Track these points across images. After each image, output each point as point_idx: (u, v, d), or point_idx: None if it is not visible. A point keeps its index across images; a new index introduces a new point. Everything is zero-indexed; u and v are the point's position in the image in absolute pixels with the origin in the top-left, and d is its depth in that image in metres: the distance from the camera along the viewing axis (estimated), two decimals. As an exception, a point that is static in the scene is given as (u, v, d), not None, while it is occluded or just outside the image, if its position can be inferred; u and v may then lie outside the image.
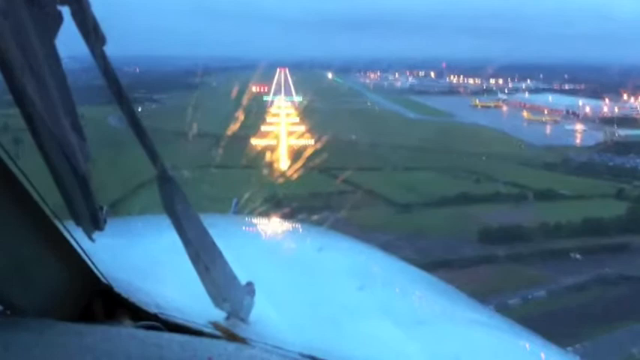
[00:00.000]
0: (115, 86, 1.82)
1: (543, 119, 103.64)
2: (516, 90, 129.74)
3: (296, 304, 3.16)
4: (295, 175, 60.69)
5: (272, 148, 78.94)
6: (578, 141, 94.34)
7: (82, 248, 2.10)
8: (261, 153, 74.21)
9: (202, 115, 72.44)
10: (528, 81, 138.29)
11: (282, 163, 74.04)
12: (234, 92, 75.83)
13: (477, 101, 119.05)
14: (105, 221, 2.00)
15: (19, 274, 1.93)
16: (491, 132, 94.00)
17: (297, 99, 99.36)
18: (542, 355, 3.89)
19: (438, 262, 42.65)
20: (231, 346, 2.02)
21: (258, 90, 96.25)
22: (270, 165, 70.92)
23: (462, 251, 50.31)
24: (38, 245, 1.97)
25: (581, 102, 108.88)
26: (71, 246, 2.07)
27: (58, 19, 1.62)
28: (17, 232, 1.87)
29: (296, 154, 73.43)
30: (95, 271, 2.20)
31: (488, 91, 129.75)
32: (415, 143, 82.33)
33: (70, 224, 2.02)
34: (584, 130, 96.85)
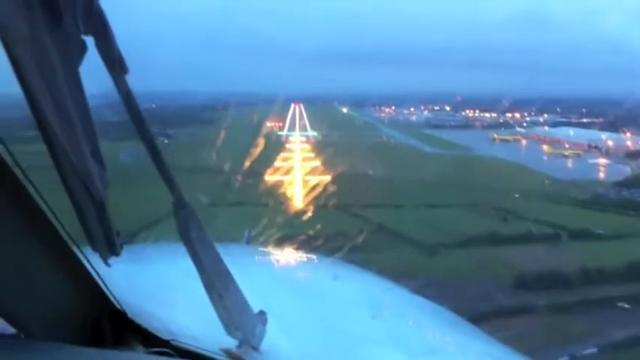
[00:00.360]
0: (136, 116, 1.82)
1: (565, 153, 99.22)
2: (534, 124, 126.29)
3: (308, 333, 3.20)
4: (311, 213, 56.10)
5: (287, 184, 74.72)
6: (603, 175, 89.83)
7: (97, 273, 2.10)
8: (276, 189, 70.79)
9: (216, 150, 68.74)
10: (545, 115, 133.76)
11: (298, 199, 69.67)
12: (249, 128, 75.62)
13: (495, 135, 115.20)
14: (121, 247, 1.97)
15: (32, 296, 1.91)
16: (513, 166, 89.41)
17: (312, 134, 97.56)
18: None
19: (474, 312, 37.57)
20: None
21: (272, 125, 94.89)
22: (285, 202, 66.93)
23: (498, 300, 43.42)
24: (54, 269, 1.97)
25: (603, 136, 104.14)
26: (87, 270, 2.08)
27: (82, 48, 1.63)
28: (34, 256, 1.87)
29: (312, 190, 69.14)
30: (109, 295, 2.19)
31: (506, 125, 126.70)
32: (435, 178, 77.99)
33: (87, 249, 2.00)
34: (609, 164, 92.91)
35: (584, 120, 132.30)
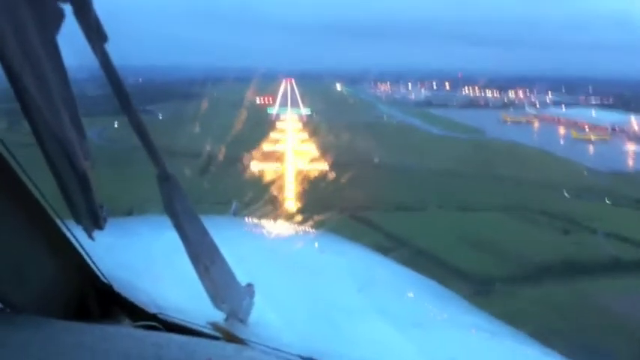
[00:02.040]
0: (116, 85, 1.70)
1: (591, 137, 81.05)
2: (541, 104, 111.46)
3: (295, 305, 3.01)
4: (308, 222, 37.64)
5: (277, 176, 56.71)
6: (643, 164, 71.58)
7: (82, 246, 2.00)
8: (263, 183, 53.36)
9: (196, 128, 55.95)
10: (550, 94, 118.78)
11: (289, 200, 51.29)
12: (236, 103, 65.19)
13: (507, 116, 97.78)
14: (105, 220, 1.86)
15: (18, 271, 1.85)
16: (538, 153, 71.87)
17: (305, 112, 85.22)
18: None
19: None
20: (230, 347, 1.92)
21: (262, 102, 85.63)
22: (274, 203, 48.12)
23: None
24: (38, 243, 1.89)
25: (629, 118, 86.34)
26: (71, 244, 1.97)
27: (59, 16, 1.53)
28: (17, 230, 1.80)
29: (307, 187, 53.55)
30: (95, 269, 2.09)
31: (512, 105, 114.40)
32: (453, 167, 60.27)
33: (71, 222, 1.89)
34: (643, 151, 75.51)
35: (593, 100, 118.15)
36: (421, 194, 51.91)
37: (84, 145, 1.68)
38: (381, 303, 3.56)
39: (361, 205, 47.09)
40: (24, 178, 1.76)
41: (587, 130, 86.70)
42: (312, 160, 62.34)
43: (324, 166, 59.84)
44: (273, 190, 51.23)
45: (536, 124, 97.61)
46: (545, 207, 48.59)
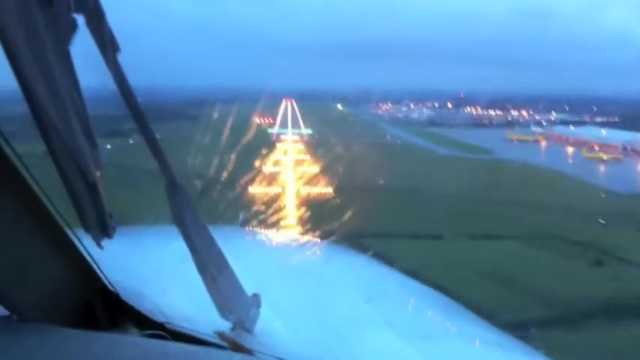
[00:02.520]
0: (128, 96, 1.70)
1: (603, 157, 76.39)
2: (545, 122, 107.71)
3: (302, 315, 2.96)
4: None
5: (277, 202, 51.64)
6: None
7: (90, 255, 1.96)
8: (262, 209, 47.81)
9: (193, 151, 47.64)
10: (553, 113, 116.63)
11: (291, 228, 46.20)
12: (235, 124, 56.94)
13: (513, 135, 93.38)
14: (114, 229, 1.85)
15: (26, 278, 1.81)
16: (552, 174, 67.06)
17: (307, 132, 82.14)
18: None
19: None
20: (236, 357, 1.90)
21: (262, 122, 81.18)
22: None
23: None
24: (47, 251, 1.86)
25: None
26: (79, 252, 1.94)
27: (73, 26, 1.52)
28: (26, 237, 1.77)
29: (308, 212, 47.87)
30: (102, 278, 2.06)
31: (515, 124, 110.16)
32: (465, 190, 55.54)
33: (80, 231, 1.87)
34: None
35: (598, 119, 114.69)
36: (433, 221, 46.88)
37: (95, 154, 1.66)
38: (388, 314, 3.44)
39: (368, 232, 41.92)
40: (34, 186, 1.69)
41: (596, 149, 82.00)
42: (314, 183, 57.53)
43: (326, 189, 55.06)
44: (271, 217, 46.03)
45: (544, 143, 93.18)
46: (569, 234, 43.56)
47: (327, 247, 5.93)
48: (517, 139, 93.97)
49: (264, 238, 6.09)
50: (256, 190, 54.19)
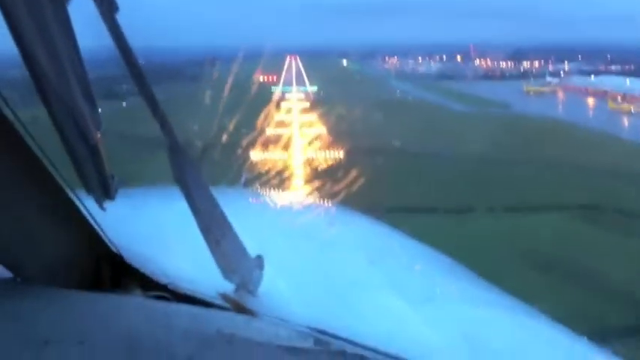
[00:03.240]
0: (127, 56, 1.63)
1: (632, 109, 68.42)
2: (560, 73, 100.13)
3: (305, 277, 2.90)
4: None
5: (282, 168, 44.69)
6: None
7: (92, 217, 1.92)
8: (266, 177, 40.63)
9: (192, 113, 40.51)
10: (566, 63, 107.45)
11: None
12: (238, 83, 50.18)
13: (529, 87, 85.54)
14: (116, 190, 1.80)
15: (29, 241, 1.79)
16: (580, 130, 59.52)
17: (312, 89, 75.85)
18: (552, 336, 3.43)
19: None
20: (239, 318, 1.87)
21: (266, 80, 74.08)
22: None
23: None
24: (49, 213, 1.82)
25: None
26: (82, 214, 1.89)
27: None
28: (27, 200, 1.73)
29: (317, 182, 40.07)
30: (105, 239, 2.02)
31: (529, 76, 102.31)
32: (488, 151, 48.40)
33: (82, 192, 1.82)
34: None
35: (613, 67, 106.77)
36: (460, 190, 39.71)
37: (95, 115, 1.62)
38: (392, 276, 3.33)
39: (384, 206, 34.34)
40: (35, 148, 1.64)
41: (620, 100, 74.09)
42: (321, 146, 50.38)
43: (335, 153, 47.88)
44: (275, 186, 39.67)
45: (561, 95, 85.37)
46: (623, 204, 36.09)
47: (331, 208, 5.56)
48: (533, 92, 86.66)
49: (267, 199, 5.66)
50: (258, 155, 47.25)
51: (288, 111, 63.47)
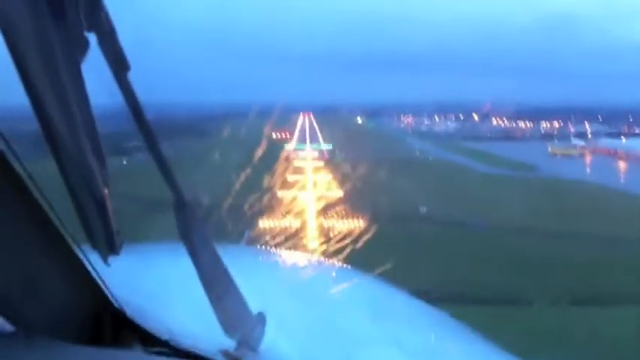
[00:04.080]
0: (138, 114, 1.65)
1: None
2: (583, 134, 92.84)
3: (307, 334, 2.83)
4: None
5: (292, 239, 37.06)
6: None
7: (96, 271, 1.88)
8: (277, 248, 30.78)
9: (200, 171, 34.24)
10: (586, 124, 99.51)
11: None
12: (249, 140, 50.73)
13: (555, 149, 78.65)
14: (121, 245, 1.77)
15: (31, 294, 1.74)
16: (627, 198, 50.65)
17: (326, 147, 69.90)
18: None
19: None
20: None
21: (278, 137, 69.31)
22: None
23: None
24: (53, 266, 1.79)
25: None
26: (86, 269, 1.86)
27: (85, 44, 1.48)
28: (33, 252, 1.70)
29: (336, 255, 30.72)
30: (108, 294, 1.98)
31: (550, 136, 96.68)
32: (528, 220, 41.08)
33: (87, 247, 1.80)
34: None
35: (637, 130, 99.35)
36: (506, 271, 31.63)
37: (103, 171, 1.62)
38: (395, 334, 3.21)
39: (414, 292, 26.21)
40: (42, 201, 1.61)
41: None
42: (339, 212, 42.97)
43: (354, 221, 40.36)
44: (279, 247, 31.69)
45: (589, 158, 77.98)
46: None
47: (333, 266, 5.41)
48: (560, 154, 79.21)
49: (270, 256, 5.54)
50: (268, 223, 39.92)
51: (301, 170, 56.82)
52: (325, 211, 44.49)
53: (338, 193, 49.07)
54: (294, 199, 47.31)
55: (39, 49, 1.36)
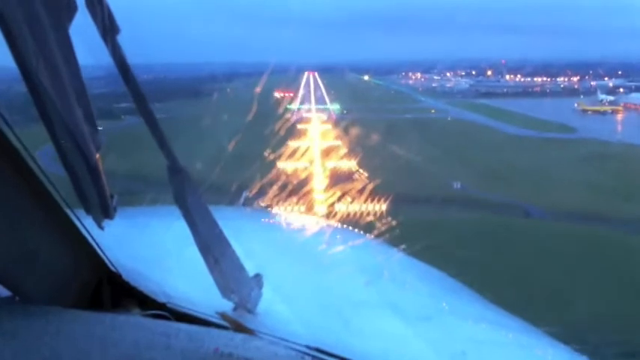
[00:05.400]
0: (128, 78, 1.55)
1: None
2: (605, 88, 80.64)
3: (303, 296, 2.74)
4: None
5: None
6: None
7: (91, 236, 1.85)
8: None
9: (199, 133, 31.74)
10: (606, 79, 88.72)
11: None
12: (250, 100, 39.50)
13: (584, 105, 67.49)
14: (115, 210, 1.72)
15: (29, 260, 1.70)
16: None
17: (334, 108, 60.33)
18: (549, 353, 3.21)
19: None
20: (238, 337, 1.75)
21: (282, 96, 59.53)
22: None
23: None
24: (49, 233, 1.75)
25: None
26: (81, 234, 1.83)
27: (72, 8, 1.40)
28: (28, 220, 1.65)
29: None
30: (104, 259, 1.93)
31: (571, 92, 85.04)
32: (595, 201, 28.44)
33: (81, 212, 1.74)
34: None
35: None
36: (594, 289, 20.66)
37: (95, 136, 1.54)
38: (389, 295, 3.12)
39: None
40: (35, 168, 1.57)
41: None
42: (352, 191, 32.15)
43: (373, 205, 29.65)
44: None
45: (623, 115, 66.47)
46: None
47: (330, 227, 5.22)
48: (591, 111, 67.58)
49: (267, 218, 5.31)
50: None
51: (307, 135, 46.33)
52: (334, 187, 33.91)
53: (349, 164, 38.42)
54: (297, 171, 36.78)
55: (26, 14, 1.28)
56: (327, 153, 42.28)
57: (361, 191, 31.47)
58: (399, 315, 2.78)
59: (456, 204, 31.04)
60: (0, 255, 1.58)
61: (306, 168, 38.19)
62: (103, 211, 1.68)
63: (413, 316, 2.88)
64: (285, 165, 36.81)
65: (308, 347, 1.77)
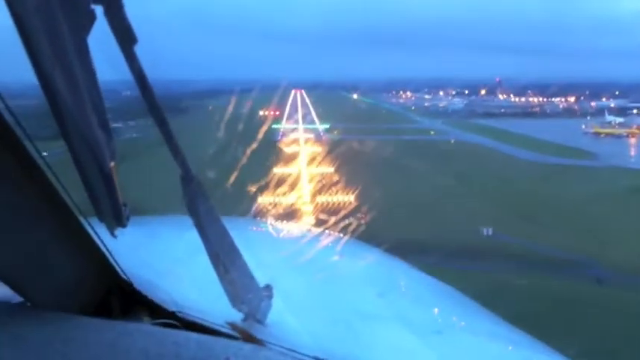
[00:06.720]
0: (145, 87, 1.49)
1: None
2: (607, 109, 73.58)
3: (313, 308, 2.65)
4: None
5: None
6: None
7: (103, 244, 1.78)
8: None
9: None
10: (604, 99, 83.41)
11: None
12: (234, 119, 31.69)
13: (597, 128, 60.39)
14: (128, 218, 1.64)
15: (40, 266, 1.66)
16: None
17: (322, 127, 54.29)
18: None
19: None
20: (247, 347, 1.70)
21: (266, 114, 52.04)
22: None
23: None
24: (61, 239, 1.69)
25: None
26: (93, 241, 1.76)
27: (91, 17, 1.35)
28: (41, 226, 1.60)
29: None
30: (115, 266, 1.87)
31: (572, 112, 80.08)
32: None
33: (94, 220, 1.67)
34: None
35: None
36: None
37: (110, 145, 1.50)
38: (400, 309, 3.01)
39: None
40: (50, 175, 1.52)
41: None
42: (349, 221, 22.70)
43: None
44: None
45: (633, 139, 58.72)
46: None
47: (340, 239, 4.69)
48: (604, 134, 59.69)
49: (277, 229, 4.99)
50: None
51: (293, 160, 38.16)
52: (328, 216, 25.19)
53: (345, 198, 29.69)
54: (280, 205, 28.18)
55: (45, 22, 1.25)
56: (318, 184, 33.54)
57: (352, 214, 23.09)
58: (409, 328, 2.67)
59: (495, 259, 22.29)
60: (12, 260, 1.54)
61: (292, 205, 29.39)
62: (116, 219, 1.61)
63: (423, 330, 2.77)
64: (265, 201, 28.14)
65: (317, 359, 1.74)
